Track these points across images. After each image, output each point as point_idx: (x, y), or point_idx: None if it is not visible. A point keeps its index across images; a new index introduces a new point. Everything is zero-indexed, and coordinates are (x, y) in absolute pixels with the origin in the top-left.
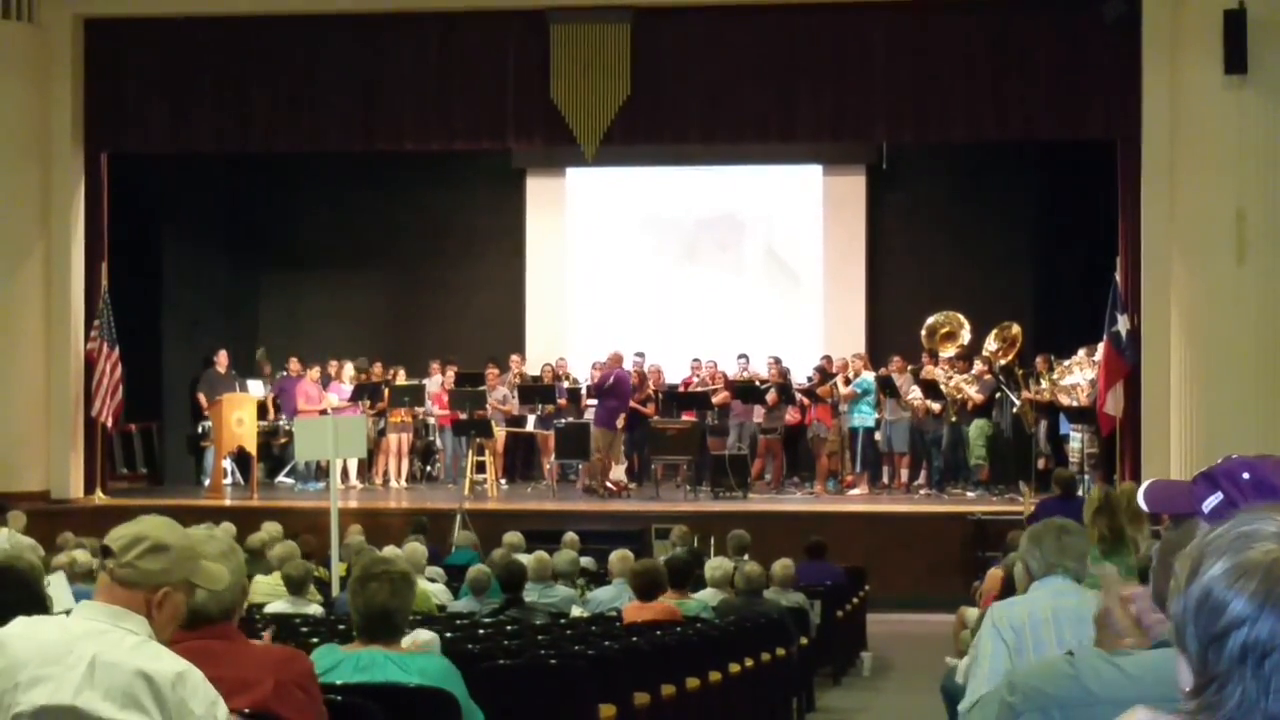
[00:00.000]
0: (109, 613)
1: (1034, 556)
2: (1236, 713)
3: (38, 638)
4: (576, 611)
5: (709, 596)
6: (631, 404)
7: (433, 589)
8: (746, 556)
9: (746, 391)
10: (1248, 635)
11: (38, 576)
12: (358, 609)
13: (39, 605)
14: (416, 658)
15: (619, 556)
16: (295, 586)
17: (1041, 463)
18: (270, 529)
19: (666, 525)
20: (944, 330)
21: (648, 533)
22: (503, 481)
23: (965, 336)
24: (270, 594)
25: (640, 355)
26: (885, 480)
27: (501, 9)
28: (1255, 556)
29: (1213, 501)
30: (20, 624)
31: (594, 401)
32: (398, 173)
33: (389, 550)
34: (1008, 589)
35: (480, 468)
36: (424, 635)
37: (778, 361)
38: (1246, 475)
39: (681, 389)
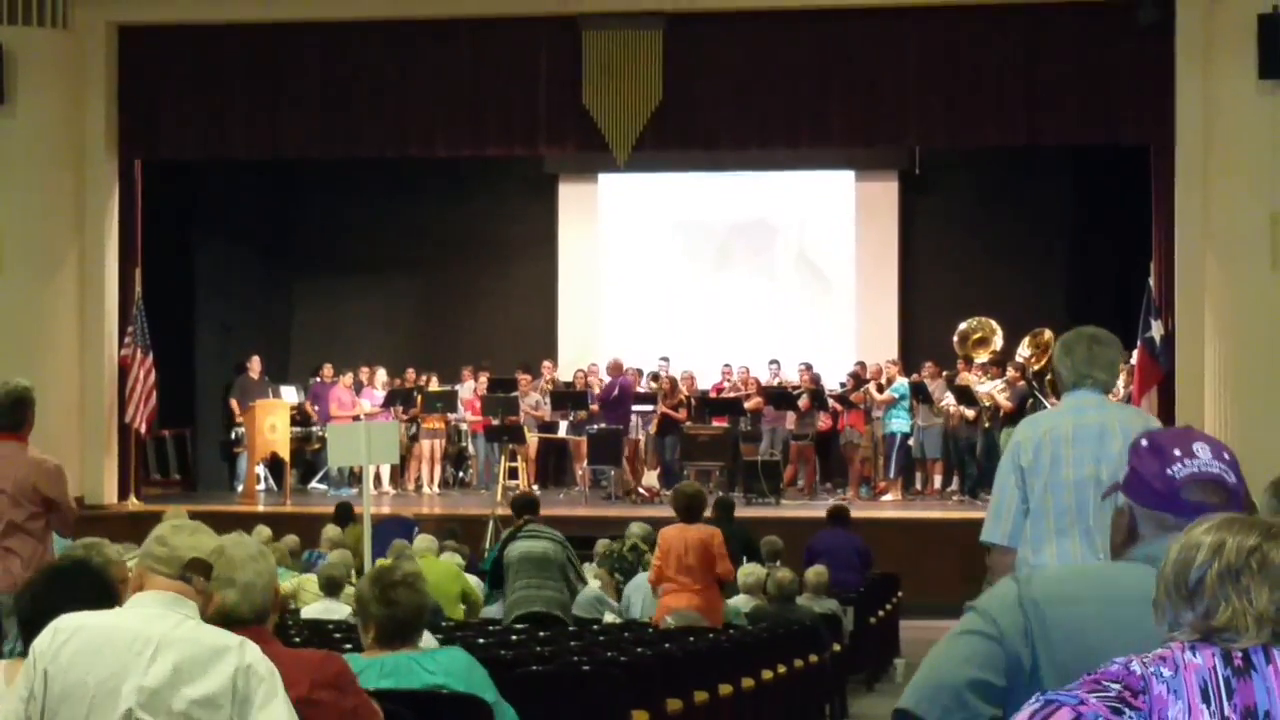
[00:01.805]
0: (165, 600)
1: (1065, 366)
2: (1231, 622)
3: (108, 628)
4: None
5: (742, 603)
6: (664, 409)
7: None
8: (779, 563)
9: (779, 397)
10: (1220, 566)
11: (111, 573)
12: (379, 615)
13: (112, 600)
14: (438, 655)
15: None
16: (332, 587)
17: None
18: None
19: None
20: (976, 336)
21: None
22: (535, 487)
23: (998, 342)
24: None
25: (665, 360)
26: (918, 486)
27: (534, 15)
28: (1199, 534)
29: (1124, 471)
30: (89, 616)
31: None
32: (430, 179)
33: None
34: None
35: (513, 473)
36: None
37: (809, 368)
38: (1145, 442)
39: (714, 394)
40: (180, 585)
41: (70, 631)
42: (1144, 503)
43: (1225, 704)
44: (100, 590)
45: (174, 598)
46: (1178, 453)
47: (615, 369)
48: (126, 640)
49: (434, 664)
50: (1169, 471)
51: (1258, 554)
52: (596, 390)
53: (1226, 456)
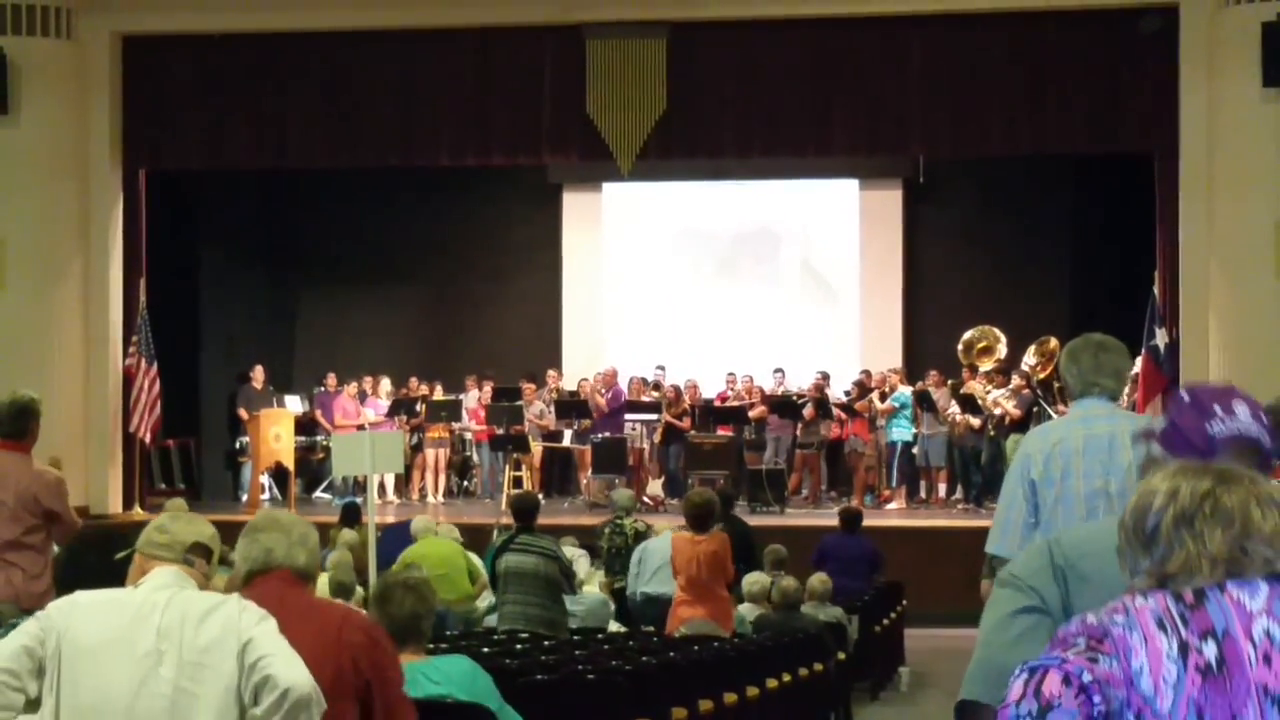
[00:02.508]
0: (170, 575)
1: (1071, 374)
2: (1185, 565)
3: (119, 597)
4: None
5: (746, 611)
6: (668, 418)
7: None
8: (783, 572)
9: (783, 406)
10: (1174, 511)
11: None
12: (378, 619)
13: None
14: (440, 662)
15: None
16: (342, 592)
17: None
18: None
19: None
20: (981, 345)
21: None
22: (540, 496)
23: (1002, 351)
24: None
25: (661, 369)
26: (923, 495)
27: (537, 25)
28: (1155, 483)
29: (1161, 422)
30: (99, 591)
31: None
32: (434, 188)
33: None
34: None
35: (517, 482)
36: None
37: (825, 377)
38: (1185, 395)
39: (718, 403)
40: (183, 568)
41: (81, 602)
42: (1180, 456)
43: (1182, 629)
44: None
45: (178, 574)
46: (1219, 410)
47: (612, 376)
48: (135, 605)
49: (437, 672)
50: (1209, 428)
51: (1210, 498)
52: (597, 402)
53: (1264, 419)
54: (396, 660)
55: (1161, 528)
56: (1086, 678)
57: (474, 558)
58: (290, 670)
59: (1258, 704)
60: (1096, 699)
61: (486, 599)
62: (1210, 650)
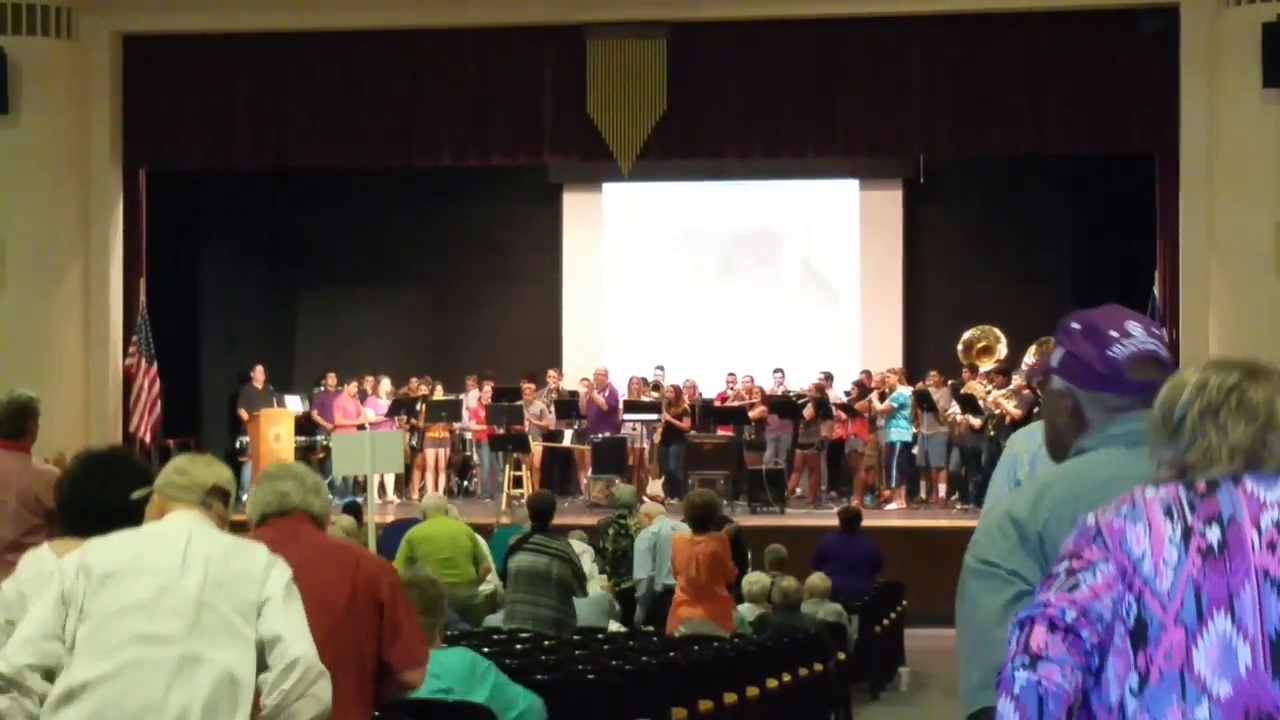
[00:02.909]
0: (190, 516)
1: None
2: (1205, 455)
3: (138, 534)
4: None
5: (746, 611)
6: (668, 418)
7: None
8: (782, 572)
9: (783, 406)
10: (1201, 403)
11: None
12: None
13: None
14: (441, 655)
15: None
16: None
17: None
18: None
19: None
20: (980, 345)
21: None
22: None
23: (1002, 351)
24: None
25: (660, 369)
26: (923, 495)
27: (538, 25)
28: (1188, 375)
29: (1058, 354)
30: (116, 533)
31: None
32: (435, 188)
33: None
34: None
35: (517, 482)
36: None
37: (827, 377)
38: (1076, 324)
39: (718, 403)
40: (202, 509)
41: (96, 543)
42: (1087, 386)
43: (1189, 515)
44: (138, 477)
45: (197, 516)
46: (1114, 333)
47: (600, 382)
48: (156, 534)
49: (437, 664)
50: (1110, 353)
51: (1237, 392)
52: (595, 400)
53: (1155, 330)
54: (405, 595)
55: (1188, 419)
56: (1070, 617)
57: (481, 543)
58: (303, 643)
59: (1256, 585)
60: (1085, 634)
61: (489, 584)
62: (1214, 534)
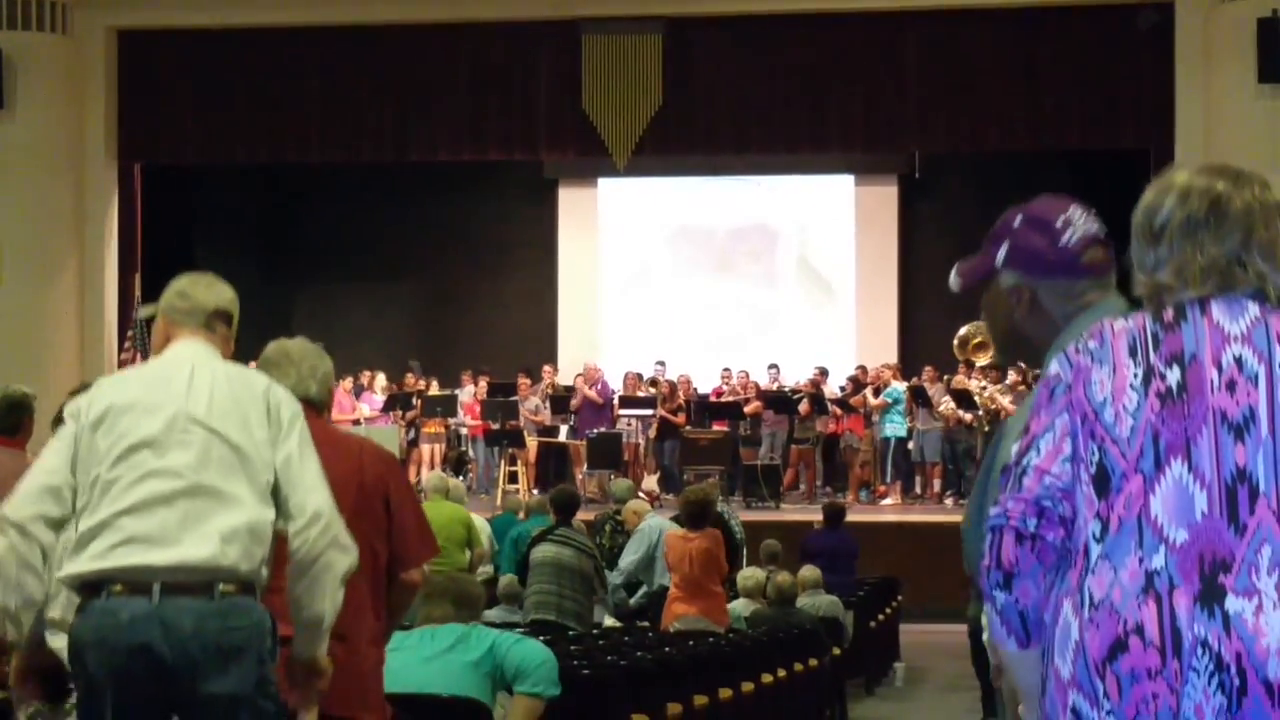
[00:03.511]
0: (194, 344)
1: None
2: (1179, 275)
3: (144, 370)
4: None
5: (741, 606)
6: (663, 413)
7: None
8: (776, 566)
9: (778, 401)
10: (1182, 214)
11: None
12: None
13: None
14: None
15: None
16: None
17: None
18: None
19: None
20: (976, 340)
21: None
22: (535, 491)
23: None
24: None
25: (661, 364)
26: (918, 490)
27: (533, 20)
28: (1175, 177)
29: (1002, 252)
30: (122, 371)
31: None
32: (431, 184)
33: None
34: None
35: (512, 478)
36: None
37: (823, 373)
38: (1019, 217)
39: (713, 398)
40: (206, 334)
41: (106, 381)
42: (1043, 276)
43: (1151, 354)
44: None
45: (203, 344)
46: (1060, 223)
47: (590, 378)
48: (163, 372)
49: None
50: (1061, 242)
51: (1220, 204)
52: (590, 395)
53: (1093, 210)
54: (409, 486)
55: (1168, 229)
56: (1032, 526)
57: (477, 527)
58: (320, 492)
59: (1213, 429)
60: (1050, 536)
61: (483, 573)
62: (1173, 376)
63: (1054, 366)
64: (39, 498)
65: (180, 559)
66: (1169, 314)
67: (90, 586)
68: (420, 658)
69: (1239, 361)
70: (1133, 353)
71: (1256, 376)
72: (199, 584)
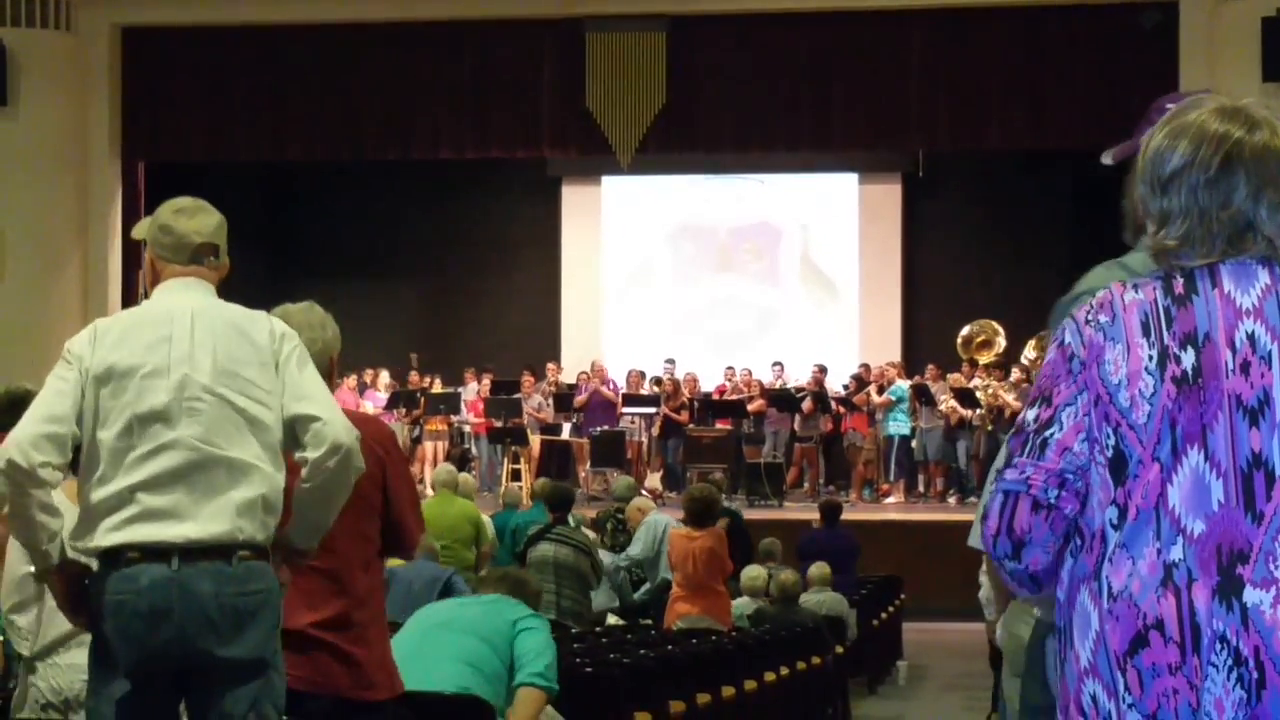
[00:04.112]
0: (187, 283)
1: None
2: (1187, 238)
3: (142, 312)
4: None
5: (744, 605)
6: (666, 411)
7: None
8: (776, 563)
9: (782, 399)
10: (1193, 163)
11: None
12: None
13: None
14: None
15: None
16: None
17: None
18: None
19: None
20: (979, 339)
21: None
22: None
23: (1001, 345)
24: None
25: (670, 362)
26: (921, 489)
27: (537, 18)
28: (1189, 118)
29: (1148, 132)
30: (121, 313)
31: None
32: (434, 181)
33: None
34: None
35: (515, 475)
36: None
37: (823, 370)
38: (1169, 105)
39: (716, 397)
40: (195, 269)
41: (102, 327)
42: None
43: (1165, 333)
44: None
45: (194, 281)
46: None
47: (602, 375)
48: (163, 328)
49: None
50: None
51: (1231, 157)
52: (603, 394)
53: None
54: (407, 468)
55: (1179, 177)
56: (1053, 496)
57: (484, 525)
58: (336, 421)
59: (1229, 415)
60: (1069, 508)
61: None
62: (1188, 359)
63: (1066, 335)
64: (45, 447)
65: (197, 534)
66: (1179, 285)
67: (108, 555)
68: (441, 618)
69: (1251, 339)
70: (1145, 331)
71: (1269, 356)
72: (217, 549)
